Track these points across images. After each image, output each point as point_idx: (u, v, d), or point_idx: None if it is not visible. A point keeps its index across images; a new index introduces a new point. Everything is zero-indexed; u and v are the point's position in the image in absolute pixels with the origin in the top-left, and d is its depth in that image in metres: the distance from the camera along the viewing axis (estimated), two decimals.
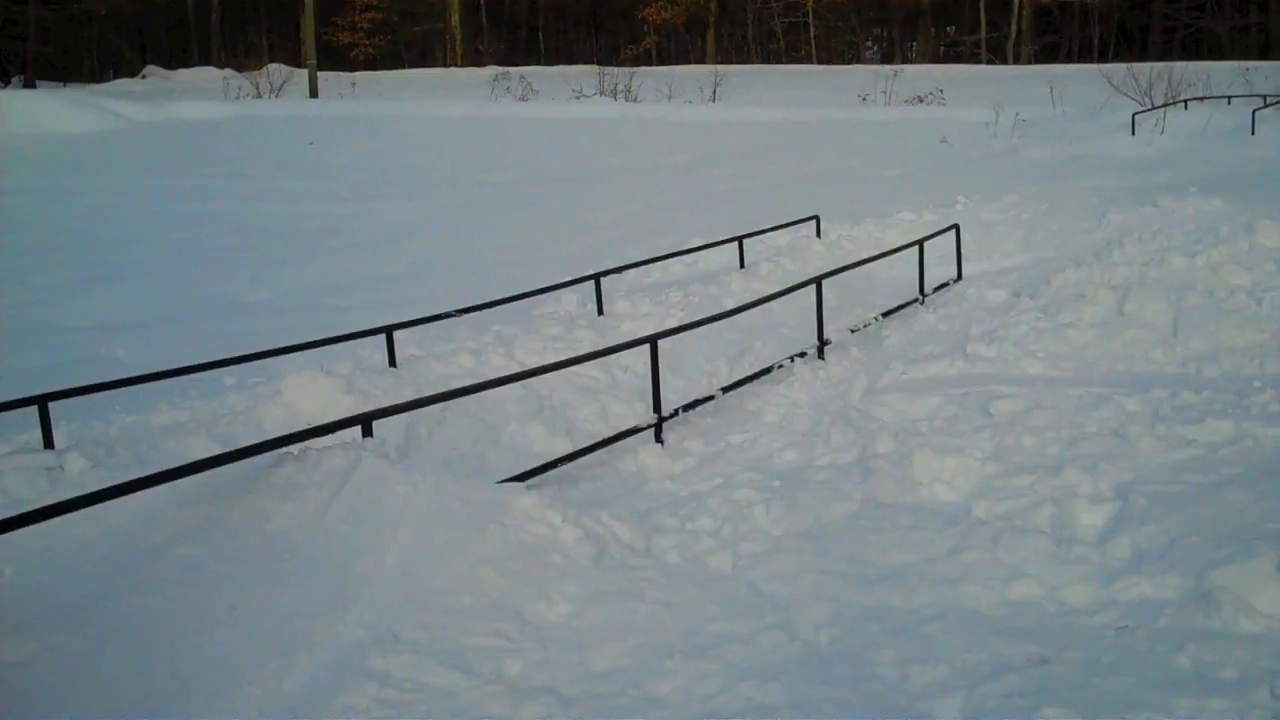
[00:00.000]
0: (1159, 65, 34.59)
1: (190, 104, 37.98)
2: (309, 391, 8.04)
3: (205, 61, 60.77)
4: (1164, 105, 28.21)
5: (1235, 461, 6.58)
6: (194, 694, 4.38)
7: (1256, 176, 18.94)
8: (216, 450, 6.32)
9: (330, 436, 6.18)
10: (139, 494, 5.22)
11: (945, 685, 4.45)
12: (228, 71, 50.41)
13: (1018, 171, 22.01)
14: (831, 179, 22.86)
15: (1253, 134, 24.06)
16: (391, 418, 6.78)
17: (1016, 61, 57.10)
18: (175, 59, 61.45)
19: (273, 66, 49.67)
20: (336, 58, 62.95)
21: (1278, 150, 22.29)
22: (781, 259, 13.12)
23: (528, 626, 5.05)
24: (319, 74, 47.18)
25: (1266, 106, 26.22)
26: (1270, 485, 6.05)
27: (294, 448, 6.00)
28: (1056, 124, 28.66)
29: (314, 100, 43.61)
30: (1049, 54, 60.89)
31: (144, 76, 54.69)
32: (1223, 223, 12.22)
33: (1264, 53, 53.75)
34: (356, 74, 55.56)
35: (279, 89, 44.63)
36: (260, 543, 5.33)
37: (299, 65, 50.62)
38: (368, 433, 6.34)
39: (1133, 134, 25.67)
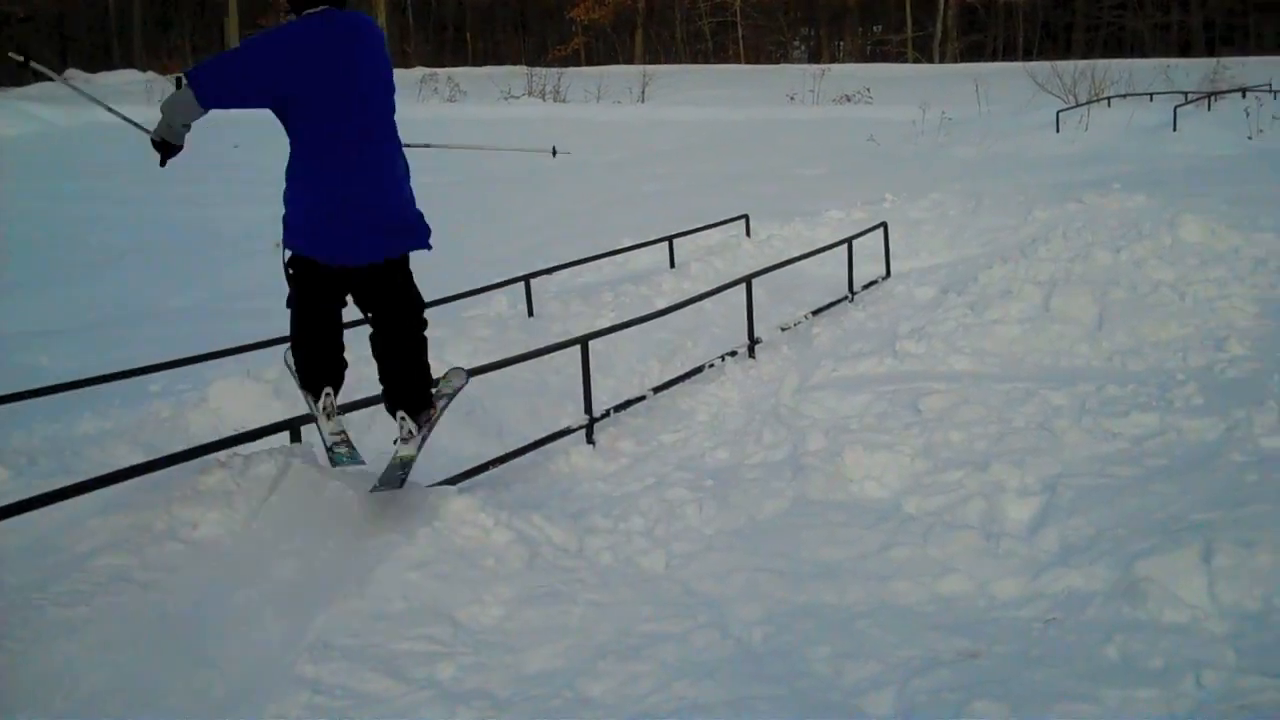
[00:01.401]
0: (1082, 63, 35.12)
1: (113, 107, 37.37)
2: (236, 397, 7.96)
3: (127, 64, 59.90)
4: (1087, 103, 28.66)
5: (1160, 454, 6.68)
6: (120, 703, 4.32)
7: (1179, 172, 19.29)
8: (142, 458, 6.23)
9: (258, 442, 6.12)
10: (63, 503, 5.14)
11: (877, 680, 4.47)
12: (150, 74, 49.71)
13: (945, 169, 22.24)
14: (761, 178, 22.98)
15: (1174, 130, 24.50)
16: None
17: (942, 60, 57.68)
18: (97, 62, 60.49)
19: None
20: None
21: (1199, 146, 22.70)
22: (712, 258, 13.17)
23: (460, 630, 5.02)
24: None
25: (1188, 103, 26.71)
26: (1194, 477, 6.15)
27: (221, 454, 5.92)
28: (982, 122, 29.01)
29: None
30: (974, 53, 61.52)
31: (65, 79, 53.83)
32: (1146, 218, 12.41)
33: (1184, 50, 54.69)
34: None
35: None
36: (188, 550, 5.27)
37: None
38: (296, 438, 6.28)
39: (1057, 131, 26.04)
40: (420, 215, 5.66)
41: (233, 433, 6.31)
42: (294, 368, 5.84)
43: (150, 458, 5.83)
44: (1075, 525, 5.79)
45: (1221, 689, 4.15)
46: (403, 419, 5.78)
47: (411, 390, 5.81)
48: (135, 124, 6.37)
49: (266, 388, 8.06)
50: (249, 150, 28.17)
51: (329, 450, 5.74)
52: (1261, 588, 4.78)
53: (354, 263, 5.46)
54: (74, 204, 21.13)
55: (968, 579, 5.40)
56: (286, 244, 5.56)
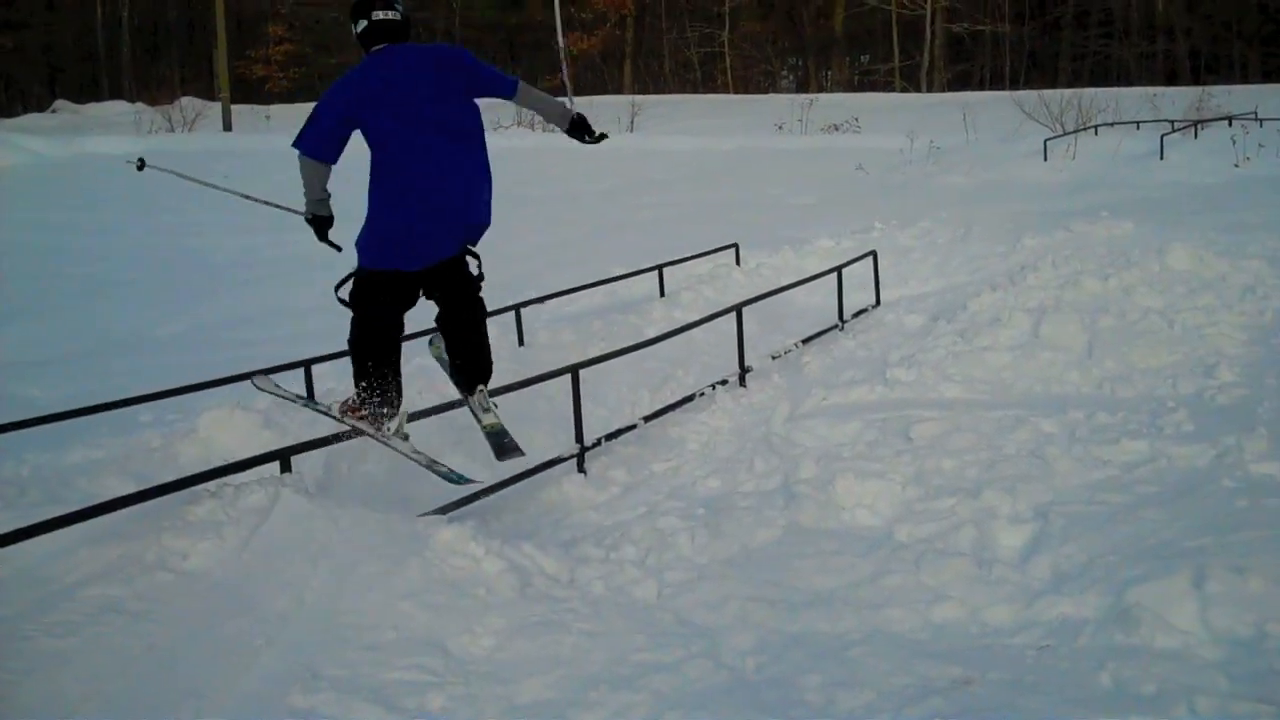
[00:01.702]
0: (1069, 92, 35.32)
1: (102, 138, 37.42)
2: (226, 427, 7.93)
3: (116, 95, 59.99)
4: (1075, 131, 28.80)
5: (1151, 481, 6.70)
6: None
7: (1166, 200, 19.37)
8: (132, 489, 6.21)
9: (248, 472, 6.11)
10: (52, 534, 5.13)
11: (871, 709, 4.46)
12: (139, 105, 49.80)
13: (933, 198, 22.31)
14: (750, 207, 23.04)
15: (1161, 158, 24.61)
16: (311, 452, 6.71)
17: (930, 89, 57.87)
18: (85, 93, 60.56)
19: (185, 100, 49.14)
20: (250, 90, 62.44)
21: (1186, 174, 22.81)
22: (702, 287, 13.19)
23: (451, 660, 5.01)
24: (233, 107, 46.81)
25: (1174, 131, 26.84)
26: (1185, 503, 6.16)
27: (211, 484, 5.92)
28: (970, 150, 29.14)
29: (228, 133, 43.25)
30: (962, 82, 61.76)
31: (53, 110, 53.82)
32: (1134, 246, 12.48)
33: (1171, 79, 54.96)
34: (270, 106, 55.11)
35: (192, 122, 44.18)
36: (178, 581, 5.25)
37: (212, 98, 50.19)
38: (286, 468, 6.26)
39: (1045, 159, 26.16)
40: (490, 208, 6.43)
41: (222, 463, 6.29)
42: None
43: (140, 488, 5.80)
44: (1067, 552, 5.80)
45: (1214, 715, 4.15)
46: (480, 391, 6.54)
47: (484, 361, 6.56)
48: (284, 208, 7.38)
49: (257, 417, 8.03)
50: (232, 181, 28.11)
51: (439, 471, 6.65)
52: (1254, 613, 4.78)
53: (435, 262, 6.23)
54: (60, 234, 21.11)
55: (960, 606, 5.40)
56: (365, 264, 6.27)
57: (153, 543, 5.44)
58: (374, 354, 6.36)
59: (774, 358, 10.39)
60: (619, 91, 61.12)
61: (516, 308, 11.39)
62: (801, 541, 6.39)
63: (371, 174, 6.21)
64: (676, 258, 14.02)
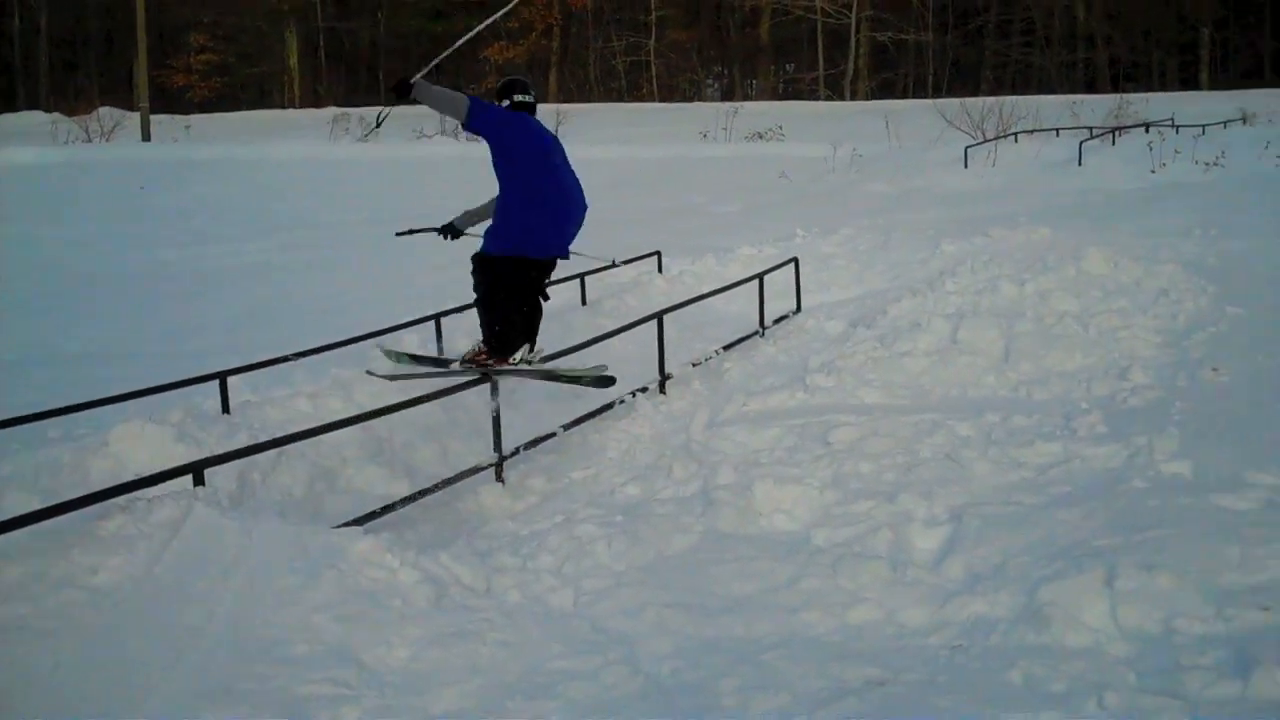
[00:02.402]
0: (991, 100, 35.80)
1: (15, 149, 36.81)
2: (138, 441, 7.82)
3: (32, 105, 59.09)
4: (995, 138, 29.18)
5: (1064, 481, 6.79)
6: None
7: (1084, 206, 19.68)
8: (38, 505, 6.11)
9: (160, 486, 6.03)
10: None
11: (785, 712, 4.49)
12: (56, 115, 49.02)
13: (856, 205, 22.51)
14: (674, 215, 23.11)
15: (1080, 165, 25.00)
16: (224, 465, 6.64)
17: (854, 98, 58.44)
18: (0, 103, 59.60)
19: (103, 110, 48.43)
20: (171, 100, 61.81)
21: (1104, 180, 23.17)
22: (624, 295, 13.20)
23: (366, 672, 4.97)
24: (152, 117, 46.27)
25: (1093, 138, 27.30)
26: (1097, 503, 6.25)
27: (121, 499, 5.83)
28: (893, 158, 29.41)
29: (147, 144, 42.75)
30: (885, 90, 62.47)
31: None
32: (1051, 251, 12.66)
33: (1090, 87, 55.95)
34: (191, 116, 54.59)
35: (110, 133, 43.62)
36: (86, 598, 5.17)
37: (131, 108, 49.57)
38: (199, 481, 6.19)
39: (966, 167, 26.48)
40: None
41: (134, 477, 6.21)
42: (394, 358, 9.40)
43: (47, 505, 5.71)
44: (981, 554, 5.86)
45: (1122, 709, 4.22)
46: (538, 346, 8.57)
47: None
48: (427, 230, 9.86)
49: (170, 431, 7.93)
50: (153, 193, 27.84)
51: (585, 380, 8.83)
52: (1162, 610, 4.86)
53: (557, 254, 8.53)
54: None
55: (876, 608, 5.45)
56: (496, 248, 8.29)
57: (60, 559, 5.35)
58: (490, 310, 8.38)
59: (694, 365, 10.42)
60: (543, 101, 61.09)
61: (436, 317, 11.33)
62: (719, 547, 6.41)
63: (511, 188, 8.20)
64: (598, 267, 14.00)
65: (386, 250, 19.74)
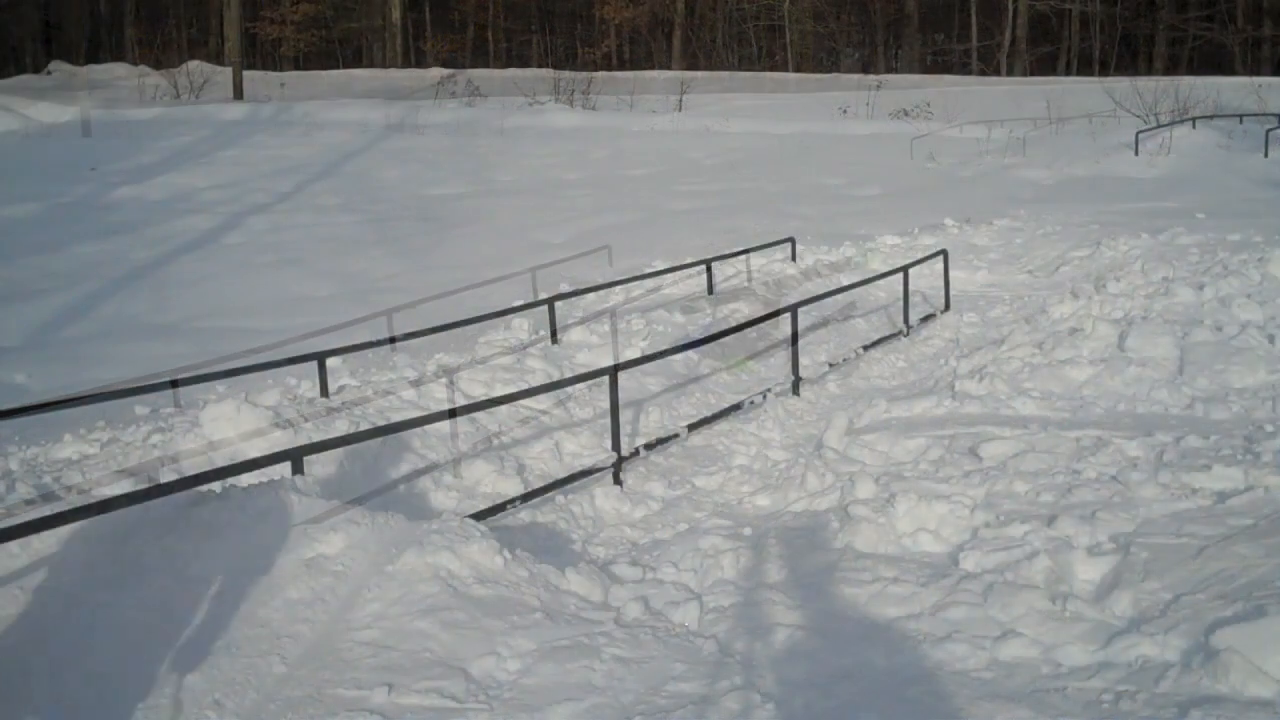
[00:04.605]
0: (1165, 80, 35.08)
1: (105, 104, 37.62)
2: (231, 423, 8.01)
3: (118, 57, 60.43)
4: (1170, 123, 28.58)
5: (1244, 512, 6.66)
6: None
7: (1269, 202, 19.23)
8: (127, 486, 6.29)
9: (256, 473, 6.17)
10: (42, 534, 5.19)
11: None
12: (142, 68, 50.14)
13: (1011, 193, 22.24)
14: (808, 198, 23.02)
15: (1265, 156, 24.42)
16: (323, 454, 6.77)
17: (1010, 73, 57.65)
18: (85, 54, 61.01)
19: (193, 64, 49.42)
20: (262, 54, 62.79)
21: None
22: (755, 284, 13.21)
23: (473, 684, 5.04)
24: (244, 73, 47.05)
25: None
26: None
27: (215, 485, 5.98)
28: (1053, 141, 29.01)
29: (240, 101, 43.51)
30: (1046, 65, 61.50)
31: (49, 72, 54.34)
32: (1233, 252, 12.41)
33: (1279, 68, 54.48)
34: (286, 74, 55.43)
35: (199, 89, 44.43)
36: (180, 586, 5.31)
37: (220, 63, 50.46)
38: (298, 469, 6.33)
39: (1136, 154, 25.99)
40: None
41: (227, 461, 6.37)
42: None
43: (137, 487, 5.88)
44: (1150, 589, 5.78)
45: None
46: None
47: None
48: None
49: (265, 413, 8.09)
50: (105, 176, 27.44)
51: None
52: None
53: None
54: (60, 210, 21.27)
55: (1032, 644, 5.40)
56: None
57: (154, 545, 5.51)
58: None
59: (831, 364, 10.40)
60: (666, 66, 61.14)
61: (550, 302, 11.45)
62: (857, 567, 6.40)
63: None
64: (726, 252, 14.03)
65: (493, 226, 19.87)
